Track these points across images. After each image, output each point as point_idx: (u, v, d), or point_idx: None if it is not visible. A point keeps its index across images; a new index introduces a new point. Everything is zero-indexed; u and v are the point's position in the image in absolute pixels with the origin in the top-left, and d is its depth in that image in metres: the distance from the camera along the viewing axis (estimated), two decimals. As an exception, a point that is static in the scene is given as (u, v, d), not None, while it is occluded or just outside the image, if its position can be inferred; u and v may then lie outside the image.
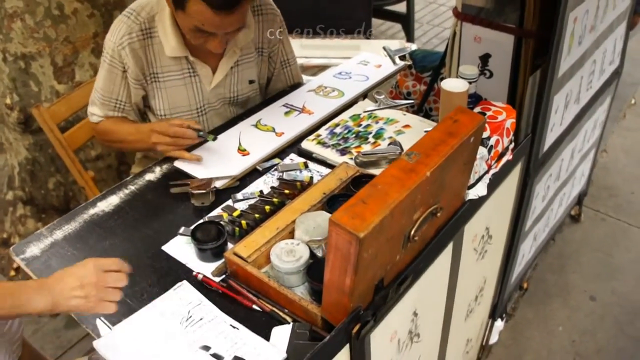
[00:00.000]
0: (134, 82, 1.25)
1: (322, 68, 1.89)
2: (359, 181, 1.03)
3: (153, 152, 1.38)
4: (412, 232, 0.78)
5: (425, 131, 1.21)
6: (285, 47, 1.41)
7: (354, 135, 1.24)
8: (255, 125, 1.29)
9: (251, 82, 1.37)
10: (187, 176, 1.15)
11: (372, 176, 1.04)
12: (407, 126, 1.26)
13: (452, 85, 1.03)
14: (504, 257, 1.31)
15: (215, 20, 1.08)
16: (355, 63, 1.57)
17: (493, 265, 1.28)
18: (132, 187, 1.14)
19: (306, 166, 1.16)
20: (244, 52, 1.30)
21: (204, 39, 1.14)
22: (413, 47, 1.72)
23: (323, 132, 1.26)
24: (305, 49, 1.55)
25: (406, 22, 2.96)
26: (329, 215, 0.94)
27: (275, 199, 1.03)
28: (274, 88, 1.47)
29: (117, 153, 1.83)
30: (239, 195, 1.08)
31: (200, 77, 1.28)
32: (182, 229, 1.00)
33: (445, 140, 0.80)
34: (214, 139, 1.18)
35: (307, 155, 1.20)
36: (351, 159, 1.15)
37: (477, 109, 1.05)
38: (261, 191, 1.09)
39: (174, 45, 1.21)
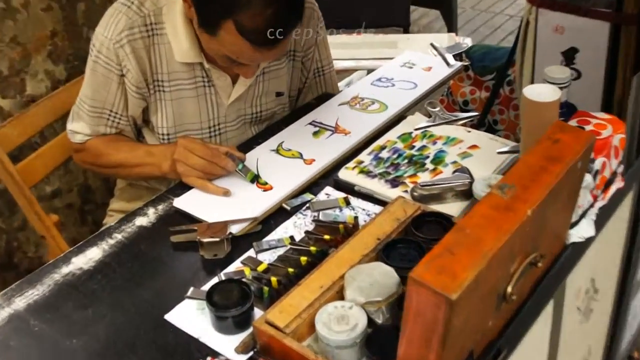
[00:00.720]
0: (134, 91, 1.30)
1: (349, 72, 1.97)
2: (422, 221, 1.05)
3: (145, 181, 1.44)
4: (509, 288, 0.79)
5: (499, 152, 1.25)
6: (321, 52, 1.47)
7: (406, 161, 1.26)
8: (277, 151, 1.32)
9: (279, 94, 1.42)
10: (192, 220, 1.17)
11: (438, 215, 1.06)
12: (474, 147, 1.28)
13: (539, 92, 1.04)
14: (612, 317, 1.31)
15: (255, 55, 1.16)
16: (399, 65, 1.61)
17: (599, 329, 1.28)
18: (118, 236, 1.16)
19: (347, 203, 1.18)
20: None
21: (232, 64, 1.21)
22: (468, 41, 1.76)
23: (365, 157, 1.29)
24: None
25: (447, 7, 3.01)
26: (388, 268, 0.95)
27: (312, 248, 1.05)
28: (304, 101, 1.53)
29: (81, 189, 1.86)
30: (264, 244, 1.09)
31: (217, 89, 1.33)
32: (190, 291, 1.01)
33: (546, 168, 0.80)
34: (252, 180, 1.23)
35: (348, 189, 1.22)
36: (406, 191, 1.17)
37: (573, 123, 1.07)
38: (292, 237, 1.11)
39: (186, 49, 1.26)
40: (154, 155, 1.30)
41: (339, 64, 1.93)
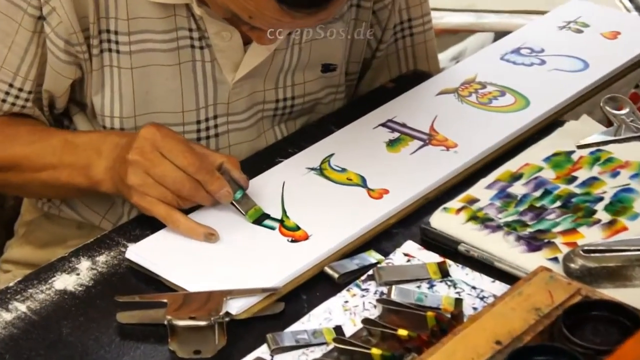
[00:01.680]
0: (60, 48, 1.32)
1: (461, 34, 1.96)
2: (583, 316, 1.04)
3: (74, 210, 1.46)
4: None
5: None
6: None
7: (558, 204, 1.26)
8: (320, 170, 1.34)
9: (328, 68, 1.44)
10: (157, 285, 1.18)
11: (614, 307, 1.05)
12: (691, 185, 1.27)
13: None
14: None
15: (282, 19, 1.15)
16: (556, 27, 1.61)
17: None
18: (20, 308, 1.17)
19: (445, 274, 1.18)
20: None
21: (242, 24, 1.23)
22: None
23: (483, 192, 1.29)
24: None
25: None
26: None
27: (375, 350, 1.04)
28: (373, 84, 1.54)
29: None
30: (286, 337, 1.09)
31: (215, 53, 1.35)
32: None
33: None
34: (259, 221, 1.25)
35: (446, 247, 1.22)
36: (554, 260, 1.17)
37: None
38: (339, 329, 1.10)
39: None
40: (79, 149, 1.31)
41: (442, 20, 1.94)
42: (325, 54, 1.44)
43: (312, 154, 1.37)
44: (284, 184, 1.31)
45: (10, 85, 1.35)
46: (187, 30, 1.34)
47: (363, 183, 1.31)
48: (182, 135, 1.35)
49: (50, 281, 1.20)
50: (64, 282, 1.20)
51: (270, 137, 1.46)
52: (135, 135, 1.24)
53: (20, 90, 1.35)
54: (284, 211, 1.27)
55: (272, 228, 1.25)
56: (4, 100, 1.35)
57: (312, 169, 1.34)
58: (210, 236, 1.21)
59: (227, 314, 1.11)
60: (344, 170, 1.34)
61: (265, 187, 1.29)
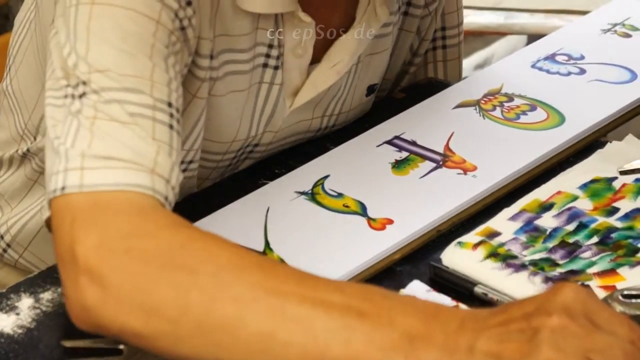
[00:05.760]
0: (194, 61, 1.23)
1: (487, 39, 1.98)
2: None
3: None
4: None
5: None
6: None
7: (595, 240, 1.27)
8: (312, 196, 1.35)
9: (372, 89, 1.48)
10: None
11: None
12: None
13: None
14: None
15: None
16: (599, 29, 1.62)
17: None
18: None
19: None
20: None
21: None
22: None
23: (505, 224, 1.30)
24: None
25: None
26: None
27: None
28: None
29: None
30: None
31: (285, 75, 1.35)
32: None
33: None
34: None
35: (459, 288, 1.22)
36: None
37: None
38: None
39: None
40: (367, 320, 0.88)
41: (466, 19, 1.96)
42: (372, 73, 1.46)
43: (303, 176, 1.37)
44: (268, 211, 1.30)
45: (169, 105, 1.11)
46: (265, 46, 1.33)
47: (363, 211, 1.31)
48: (214, 166, 1.38)
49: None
50: (0, 323, 1.19)
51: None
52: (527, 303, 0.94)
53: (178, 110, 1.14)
54: (267, 243, 1.26)
55: None
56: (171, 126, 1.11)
57: (303, 193, 1.34)
58: None
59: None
60: (340, 195, 1.34)
61: (246, 214, 1.29)
